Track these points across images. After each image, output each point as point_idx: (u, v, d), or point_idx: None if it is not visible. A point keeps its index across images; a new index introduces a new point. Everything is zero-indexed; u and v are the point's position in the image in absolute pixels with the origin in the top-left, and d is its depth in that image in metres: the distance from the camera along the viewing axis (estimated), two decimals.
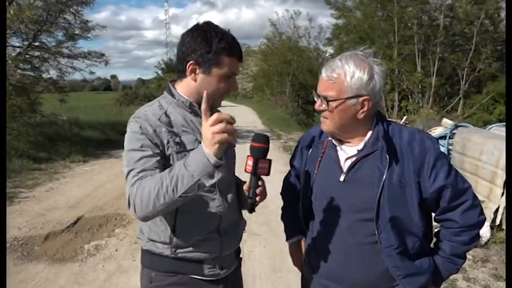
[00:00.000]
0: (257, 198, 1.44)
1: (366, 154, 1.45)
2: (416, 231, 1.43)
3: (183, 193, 1.25)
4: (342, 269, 1.50)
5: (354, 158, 1.47)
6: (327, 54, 24.65)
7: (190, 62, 1.46)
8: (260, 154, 1.40)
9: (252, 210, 1.48)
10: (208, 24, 1.49)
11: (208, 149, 1.21)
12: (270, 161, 1.41)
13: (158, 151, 1.42)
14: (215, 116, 1.21)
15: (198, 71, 1.47)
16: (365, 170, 1.44)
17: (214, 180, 1.25)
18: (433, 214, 1.51)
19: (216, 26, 1.49)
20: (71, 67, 11.16)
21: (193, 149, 1.45)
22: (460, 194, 1.42)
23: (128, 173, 1.38)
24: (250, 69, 33.61)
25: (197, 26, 1.49)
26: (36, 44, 10.36)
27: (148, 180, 1.31)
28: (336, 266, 1.52)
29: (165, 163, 1.45)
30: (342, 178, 1.48)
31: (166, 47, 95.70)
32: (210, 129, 1.20)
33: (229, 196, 1.61)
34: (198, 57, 1.45)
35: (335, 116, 1.43)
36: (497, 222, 4.51)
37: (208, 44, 1.44)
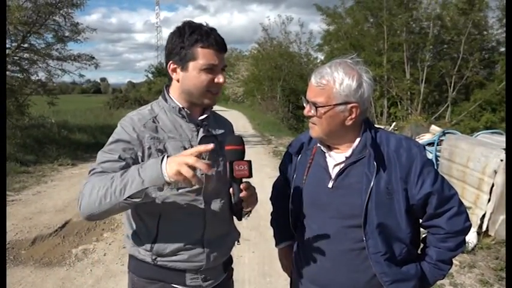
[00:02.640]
0: (243, 204, 1.39)
1: (353, 161, 1.46)
2: (403, 238, 1.45)
3: (128, 196, 1.22)
4: (330, 274, 1.51)
5: (342, 165, 1.48)
6: (318, 61, 24.79)
7: (170, 62, 1.47)
8: (235, 156, 1.31)
9: (239, 216, 1.44)
10: (184, 23, 1.47)
11: (169, 169, 1.18)
12: (248, 162, 1.31)
13: (128, 156, 1.40)
14: (194, 159, 1.16)
15: (178, 69, 1.47)
16: (353, 176, 1.46)
17: (161, 194, 1.24)
18: (421, 220, 1.53)
19: (193, 23, 1.46)
20: (60, 69, 11.09)
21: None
22: (446, 201, 1.44)
23: (90, 171, 1.38)
24: (241, 73, 33.63)
25: (175, 27, 1.48)
26: (25, 45, 10.26)
27: (99, 179, 1.29)
28: (324, 271, 1.53)
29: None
30: (330, 184, 1.49)
31: (157, 50, 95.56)
32: (182, 162, 1.16)
33: (216, 206, 1.55)
34: (175, 56, 1.44)
35: (323, 122, 1.45)
36: (484, 228, 4.57)
37: (182, 40, 1.42)
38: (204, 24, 1.46)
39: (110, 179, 1.25)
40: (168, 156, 1.22)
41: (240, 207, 1.40)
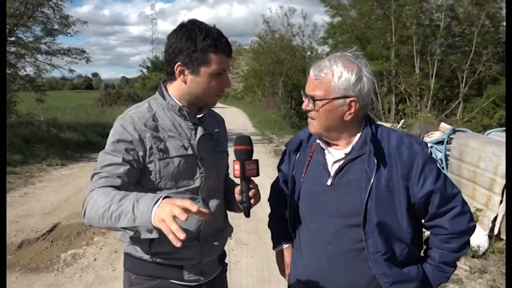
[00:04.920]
0: (251, 201, 1.48)
1: (353, 157, 1.49)
2: (404, 238, 1.47)
3: (122, 227, 1.28)
4: (329, 276, 1.53)
5: (341, 162, 1.51)
6: (324, 55, 24.72)
7: (178, 63, 1.49)
8: (245, 156, 1.43)
9: (247, 214, 1.51)
10: (192, 23, 1.52)
11: (157, 214, 1.17)
12: (256, 161, 1.45)
13: (131, 158, 1.45)
14: (178, 209, 1.12)
15: (186, 71, 1.50)
16: (352, 173, 1.48)
17: (152, 236, 1.24)
18: (423, 221, 1.55)
19: (201, 23, 1.52)
20: (49, 64, 11.13)
21: (178, 156, 1.52)
22: (449, 200, 1.46)
23: (93, 175, 1.44)
24: (241, 68, 33.59)
25: (181, 26, 1.52)
26: (12, 39, 10.28)
27: (102, 196, 1.33)
28: (323, 273, 1.55)
29: (142, 169, 1.49)
30: (329, 182, 1.51)
31: (152, 44, 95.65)
32: (167, 212, 1.13)
33: (213, 204, 1.64)
34: (184, 57, 1.48)
35: (321, 116, 1.47)
36: (496, 231, 4.58)
37: (194, 43, 1.46)
38: (212, 26, 1.53)
39: (110, 199, 1.30)
40: (166, 197, 1.22)
41: (249, 204, 1.48)
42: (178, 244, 1.10)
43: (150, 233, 1.23)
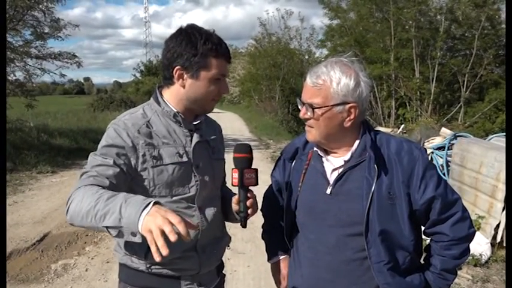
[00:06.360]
0: (249, 211, 1.48)
1: (353, 165, 1.49)
2: (406, 245, 1.48)
3: (105, 227, 1.23)
4: (330, 287, 1.53)
5: (340, 170, 1.51)
6: (323, 58, 24.79)
7: (177, 67, 1.51)
8: (244, 164, 1.43)
9: (244, 224, 1.51)
10: (191, 27, 1.54)
11: (145, 222, 1.14)
12: (256, 170, 1.46)
13: (122, 162, 1.46)
14: (169, 222, 1.11)
15: (185, 76, 1.52)
16: (353, 181, 1.48)
17: (134, 240, 1.21)
18: (423, 228, 1.56)
19: (201, 28, 1.54)
20: (39, 69, 11.14)
21: (172, 163, 1.52)
22: (450, 206, 1.48)
23: (82, 174, 1.43)
24: (237, 72, 33.64)
25: (180, 30, 1.54)
26: None
27: (89, 194, 1.30)
28: (324, 284, 1.55)
29: (135, 176, 1.49)
30: (328, 191, 1.51)
31: (145, 47, 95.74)
32: (157, 224, 1.11)
33: (210, 212, 1.63)
34: (184, 61, 1.49)
35: (321, 124, 1.47)
36: (498, 239, 4.58)
37: (194, 47, 1.48)
38: (211, 31, 1.55)
39: (98, 197, 1.27)
40: (157, 203, 1.19)
41: (246, 214, 1.48)
42: (158, 259, 1.10)
43: (133, 236, 1.20)
